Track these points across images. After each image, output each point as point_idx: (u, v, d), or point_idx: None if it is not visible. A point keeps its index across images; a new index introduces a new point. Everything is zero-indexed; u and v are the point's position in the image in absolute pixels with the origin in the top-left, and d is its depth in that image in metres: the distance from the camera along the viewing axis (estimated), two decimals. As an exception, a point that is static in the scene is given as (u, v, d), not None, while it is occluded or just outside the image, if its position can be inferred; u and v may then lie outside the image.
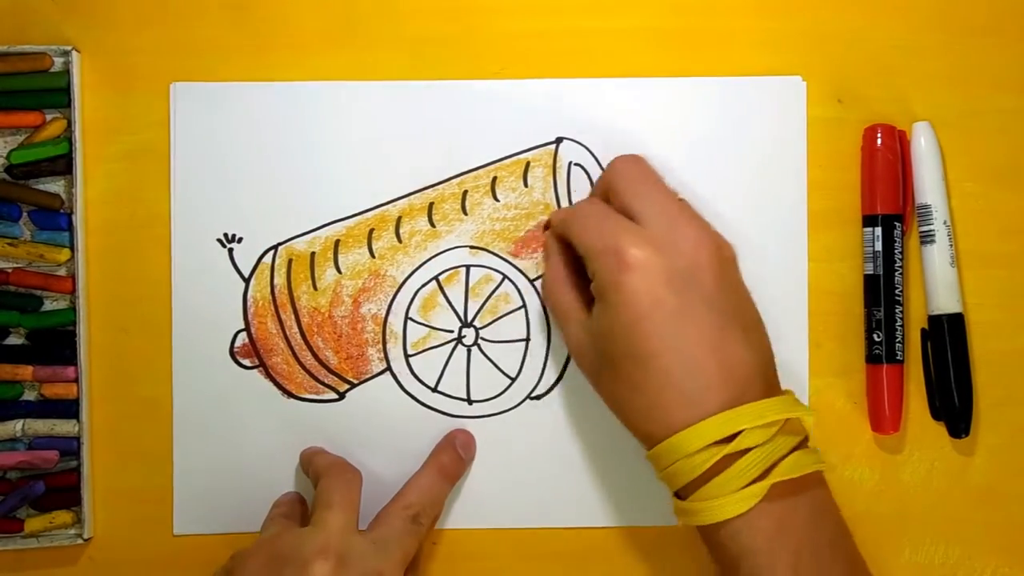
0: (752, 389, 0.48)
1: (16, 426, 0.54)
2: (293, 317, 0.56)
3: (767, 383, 0.49)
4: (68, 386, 0.55)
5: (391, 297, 0.56)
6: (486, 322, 0.56)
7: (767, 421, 0.47)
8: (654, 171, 0.52)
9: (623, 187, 0.51)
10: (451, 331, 0.56)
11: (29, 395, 0.55)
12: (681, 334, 0.48)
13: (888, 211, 0.55)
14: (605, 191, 0.53)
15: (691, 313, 0.48)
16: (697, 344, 0.48)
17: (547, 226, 0.56)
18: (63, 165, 0.55)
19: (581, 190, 0.56)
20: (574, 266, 0.53)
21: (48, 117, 0.55)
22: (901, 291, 0.55)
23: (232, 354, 0.56)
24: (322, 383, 0.56)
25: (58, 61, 0.55)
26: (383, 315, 0.56)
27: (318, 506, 0.51)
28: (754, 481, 0.47)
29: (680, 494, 0.49)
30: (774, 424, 0.48)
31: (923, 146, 0.55)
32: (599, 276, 0.50)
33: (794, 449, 0.48)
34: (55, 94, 0.55)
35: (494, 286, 0.56)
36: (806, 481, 0.48)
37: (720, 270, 0.50)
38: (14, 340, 0.55)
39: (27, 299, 0.55)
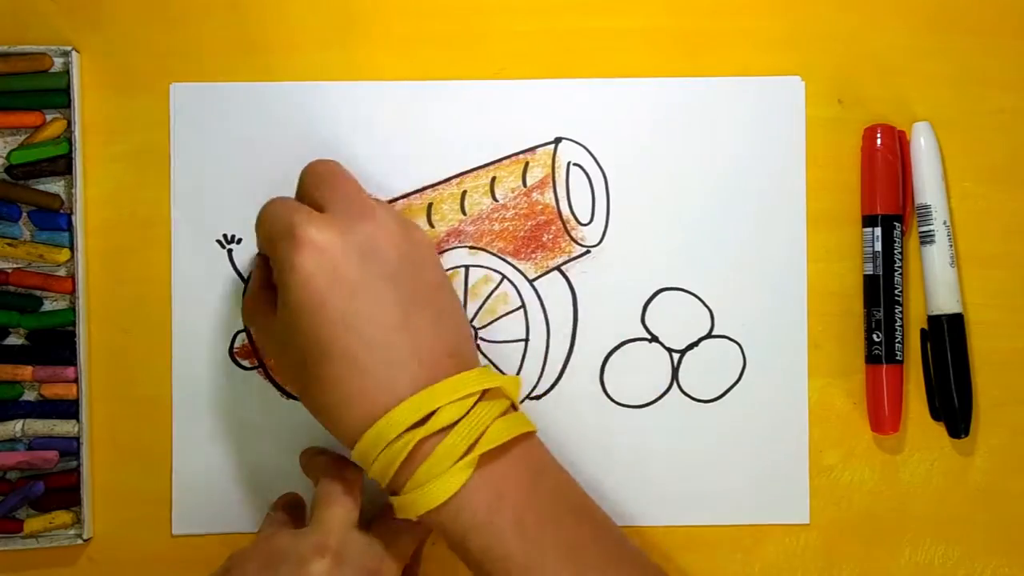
0: (443, 368, 0.47)
1: (16, 426, 0.54)
2: (292, 317, 0.56)
3: (461, 361, 0.48)
4: (68, 386, 0.55)
5: (390, 297, 0.56)
6: (485, 322, 0.56)
7: (462, 395, 0.46)
8: (345, 170, 0.51)
9: (309, 181, 0.50)
10: (451, 331, 0.56)
11: (29, 395, 0.55)
12: (363, 312, 0.46)
13: (888, 211, 0.55)
14: (299, 193, 0.51)
15: (373, 289, 0.47)
16: (381, 322, 0.46)
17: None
18: (63, 165, 0.55)
19: (580, 190, 0.56)
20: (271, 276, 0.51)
21: (48, 117, 0.55)
22: (901, 291, 0.55)
23: (232, 354, 0.56)
24: (321, 383, 0.56)
25: (58, 61, 0.55)
26: (382, 315, 0.56)
27: (318, 504, 0.51)
28: (461, 457, 0.46)
29: (393, 489, 0.48)
30: (471, 396, 0.46)
31: (923, 146, 0.55)
32: (276, 263, 0.48)
33: (498, 417, 0.47)
34: (55, 94, 0.55)
35: (493, 286, 0.56)
36: (516, 445, 0.47)
37: (406, 248, 0.48)
38: (14, 340, 0.55)
39: (27, 299, 0.55)
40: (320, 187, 0.49)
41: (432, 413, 0.46)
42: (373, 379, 0.46)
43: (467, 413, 0.46)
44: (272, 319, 0.49)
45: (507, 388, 0.48)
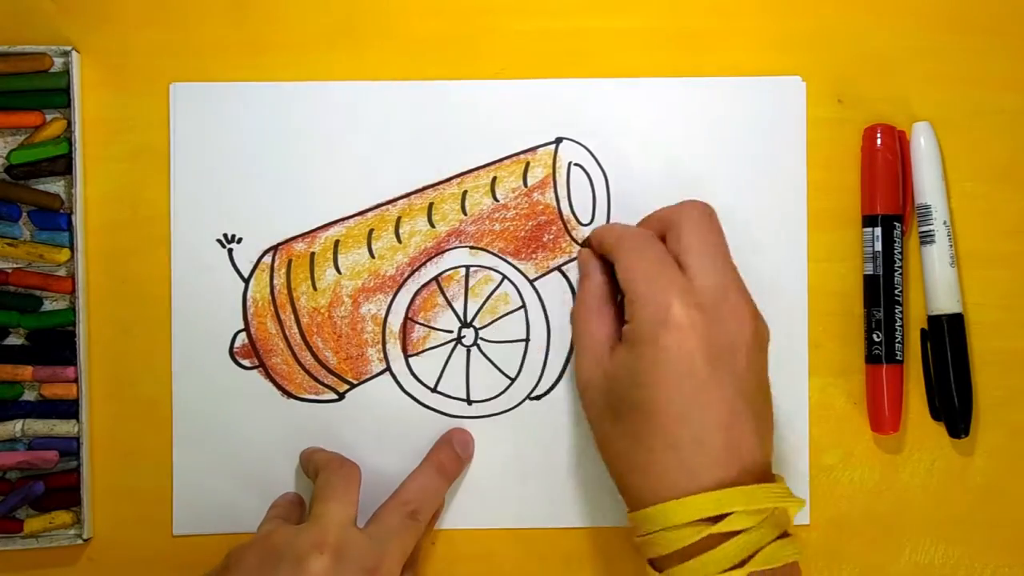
0: (750, 474, 0.48)
1: (16, 426, 0.54)
2: (293, 317, 0.56)
3: (763, 470, 0.49)
4: (68, 386, 0.55)
5: (391, 297, 0.56)
6: (485, 322, 0.56)
7: (758, 507, 0.47)
8: (721, 228, 0.51)
9: (688, 237, 0.50)
10: (451, 331, 0.56)
11: (29, 395, 0.55)
12: (702, 406, 0.47)
13: (888, 211, 0.55)
14: (663, 227, 0.52)
15: (717, 387, 0.48)
16: (713, 418, 0.47)
17: (585, 243, 0.55)
18: (63, 165, 0.55)
19: (581, 190, 0.56)
20: (609, 295, 0.52)
21: (48, 117, 0.55)
22: (901, 291, 0.55)
23: (232, 354, 0.56)
24: (322, 383, 0.56)
25: (58, 61, 0.55)
26: (383, 315, 0.56)
27: (317, 499, 0.51)
28: (734, 567, 0.46)
29: (655, 564, 0.48)
30: (763, 511, 0.47)
31: (923, 146, 0.55)
32: (638, 323, 0.49)
33: (776, 538, 0.47)
34: (55, 94, 0.55)
35: (493, 286, 0.56)
36: (781, 572, 0.47)
37: (755, 353, 0.49)
38: (14, 340, 0.55)
39: (27, 299, 0.55)
40: (694, 252, 0.50)
41: (726, 515, 0.46)
42: (684, 463, 0.47)
43: (756, 526, 0.47)
44: (604, 349, 0.50)
45: (792, 511, 0.49)
